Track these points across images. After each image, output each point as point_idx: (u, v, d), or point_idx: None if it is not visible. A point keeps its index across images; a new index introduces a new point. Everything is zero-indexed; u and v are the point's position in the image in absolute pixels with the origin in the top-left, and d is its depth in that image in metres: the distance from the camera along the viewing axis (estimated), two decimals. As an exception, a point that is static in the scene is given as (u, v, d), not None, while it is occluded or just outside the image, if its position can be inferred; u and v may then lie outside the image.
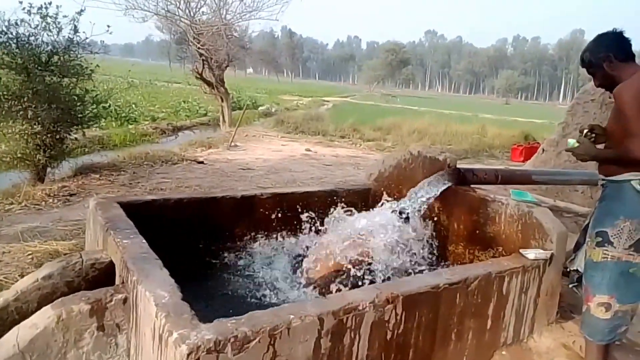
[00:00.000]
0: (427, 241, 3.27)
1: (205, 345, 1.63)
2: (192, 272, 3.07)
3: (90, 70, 6.54)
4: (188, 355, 1.59)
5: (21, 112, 5.80)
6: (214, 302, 2.76)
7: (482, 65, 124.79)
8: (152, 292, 1.93)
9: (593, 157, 2.42)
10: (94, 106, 6.97)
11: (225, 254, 3.39)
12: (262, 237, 3.57)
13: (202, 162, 8.15)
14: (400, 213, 3.22)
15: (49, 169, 6.42)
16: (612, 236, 2.28)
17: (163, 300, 1.87)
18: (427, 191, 3.28)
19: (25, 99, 5.78)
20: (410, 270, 3.00)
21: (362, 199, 4.10)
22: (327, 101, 37.89)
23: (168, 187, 6.18)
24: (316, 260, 3.13)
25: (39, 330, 2.10)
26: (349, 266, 2.94)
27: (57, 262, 2.54)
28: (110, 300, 2.18)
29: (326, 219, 3.39)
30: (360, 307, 2.06)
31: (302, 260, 3.27)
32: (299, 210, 3.53)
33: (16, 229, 4.23)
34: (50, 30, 6.07)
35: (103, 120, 10.49)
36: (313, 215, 3.46)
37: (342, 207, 3.40)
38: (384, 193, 3.60)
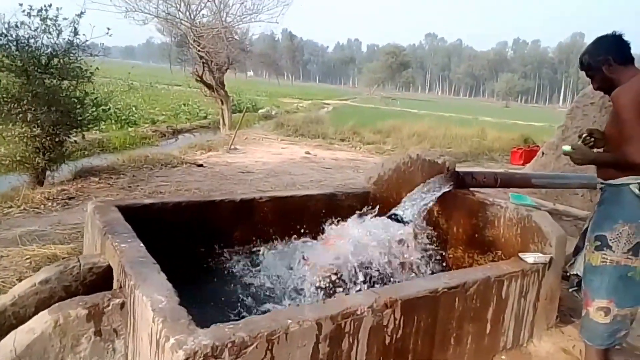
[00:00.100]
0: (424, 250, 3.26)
1: (202, 350, 1.62)
2: (191, 275, 3.07)
3: (90, 72, 6.53)
4: (185, 360, 1.58)
5: (21, 115, 5.80)
6: (211, 307, 2.75)
7: (482, 69, 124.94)
8: (149, 296, 1.92)
9: (590, 161, 2.42)
10: (94, 109, 6.97)
11: (224, 258, 3.38)
12: (261, 241, 3.56)
13: (201, 165, 8.15)
14: (396, 219, 3.22)
15: (48, 172, 6.41)
16: (610, 240, 2.27)
17: (160, 305, 1.86)
18: (426, 195, 3.27)
19: (24, 102, 5.78)
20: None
21: (362, 203, 4.09)
22: (327, 104, 37.93)
23: (167, 190, 6.17)
24: (316, 263, 3.12)
25: (36, 335, 2.09)
26: (348, 269, 2.93)
27: (55, 267, 2.53)
28: (108, 305, 2.17)
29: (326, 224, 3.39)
30: (358, 312, 2.05)
31: (301, 263, 3.26)
32: (298, 213, 3.52)
33: (15, 233, 4.21)
34: (50, 33, 6.07)
35: (103, 123, 10.49)
36: (312, 218, 3.46)
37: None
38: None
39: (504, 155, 13.29)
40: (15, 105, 5.76)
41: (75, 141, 6.86)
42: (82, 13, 6.30)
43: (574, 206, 5.58)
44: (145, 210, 3.19)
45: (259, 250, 3.49)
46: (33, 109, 5.80)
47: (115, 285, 2.42)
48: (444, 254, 3.52)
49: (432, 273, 3.12)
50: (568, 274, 2.69)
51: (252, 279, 3.18)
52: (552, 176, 4.98)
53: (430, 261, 3.25)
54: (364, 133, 15.15)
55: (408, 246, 3.11)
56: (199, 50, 12.58)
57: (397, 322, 2.19)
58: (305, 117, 18.69)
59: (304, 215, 3.66)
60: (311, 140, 13.88)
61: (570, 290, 2.65)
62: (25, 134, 5.96)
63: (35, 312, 2.31)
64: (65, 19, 6.15)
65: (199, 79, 13.66)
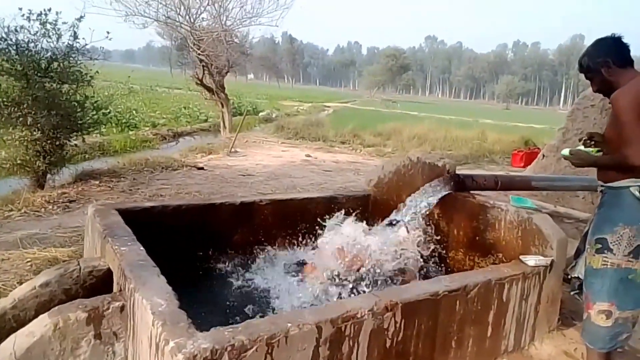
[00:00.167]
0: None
1: (202, 354, 1.62)
2: (191, 278, 3.07)
3: (90, 76, 6.54)
4: (184, 364, 1.58)
5: (21, 119, 5.80)
6: (211, 310, 2.74)
7: (482, 71, 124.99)
8: (149, 300, 1.92)
9: (590, 164, 2.42)
10: (94, 112, 6.97)
11: (224, 261, 3.37)
12: (261, 244, 3.56)
13: (202, 168, 8.15)
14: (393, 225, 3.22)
15: (48, 176, 6.41)
16: (611, 243, 2.26)
17: (160, 309, 1.86)
18: (426, 198, 3.27)
19: (24, 106, 5.78)
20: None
21: (362, 205, 4.10)
22: (328, 107, 37.95)
23: (168, 193, 6.17)
24: (315, 265, 3.12)
25: (35, 339, 2.09)
26: (347, 271, 2.93)
27: (55, 270, 2.53)
28: (107, 308, 2.17)
29: (326, 226, 3.38)
30: (358, 315, 2.04)
31: (301, 266, 3.26)
32: (298, 216, 3.52)
33: (15, 236, 4.21)
34: (49, 37, 6.07)
35: (103, 126, 10.50)
36: (312, 221, 3.45)
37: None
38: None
39: (504, 157, 13.28)
40: (16, 109, 5.76)
41: (76, 145, 6.86)
42: (81, 17, 6.31)
43: (575, 208, 5.57)
44: (146, 214, 3.19)
45: (259, 253, 3.49)
46: (33, 112, 5.80)
47: (115, 288, 2.42)
48: (444, 256, 3.51)
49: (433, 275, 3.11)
50: (569, 276, 2.69)
51: (252, 281, 3.17)
52: (552, 179, 4.98)
53: (431, 264, 3.24)
54: (365, 136, 15.16)
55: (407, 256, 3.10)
56: (199, 54, 12.59)
57: (397, 325, 2.18)
58: (305, 119, 18.71)
59: (304, 218, 3.65)
60: (311, 143, 13.89)
61: (572, 293, 2.64)
62: (26, 138, 5.96)
63: (36, 316, 2.31)
64: (64, 23, 6.16)
65: (199, 82, 13.67)
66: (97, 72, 6.73)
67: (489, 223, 3.27)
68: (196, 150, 10.76)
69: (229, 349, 1.68)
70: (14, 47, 5.88)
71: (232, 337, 1.72)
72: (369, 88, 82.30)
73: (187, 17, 12.45)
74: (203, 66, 13.27)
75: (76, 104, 6.49)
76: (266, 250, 3.54)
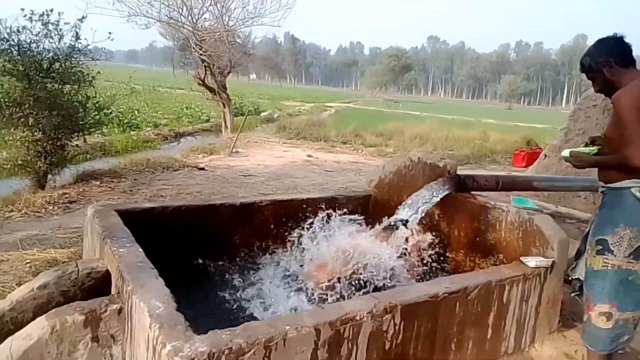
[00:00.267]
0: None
1: (199, 357, 1.61)
2: (191, 280, 3.06)
3: (92, 77, 6.54)
4: (181, 367, 1.57)
5: (22, 119, 5.80)
6: (210, 312, 2.73)
7: (484, 71, 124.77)
8: (147, 302, 1.91)
9: (591, 165, 2.40)
10: (96, 113, 6.97)
11: (224, 262, 3.36)
12: (261, 245, 3.55)
13: (203, 169, 8.14)
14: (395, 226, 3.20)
15: (49, 176, 6.41)
16: (612, 244, 2.25)
17: (157, 311, 1.85)
18: (426, 198, 3.25)
19: (26, 106, 5.78)
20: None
21: (363, 206, 4.08)
22: (330, 107, 37.94)
23: (168, 193, 6.16)
24: (315, 268, 3.10)
25: (32, 342, 2.08)
26: (347, 274, 2.91)
27: (53, 272, 2.52)
28: (105, 311, 2.16)
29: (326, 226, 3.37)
30: (357, 317, 2.03)
31: (301, 268, 3.24)
32: (299, 217, 3.50)
33: (15, 237, 4.21)
34: (51, 37, 6.07)
35: (105, 126, 10.49)
36: (313, 222, 3.44)
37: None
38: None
39: (506, 157, 13.25)
40: (17, 109, 5.76)
41: (77, 145, 6.86)
42: (83, 17, 6.31)
43: (576, 208, 5.54)
44: (145, 215, 3.18)
45: (260, 254, 3.48)
46: (35, 113, 5.81)
47: (113, 290, 2.41)
48: (445, 257, 3.49)
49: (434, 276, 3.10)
50: (570, 277, 2.67)
51: (251, 282, 3.16)
52: (554, 179, 4.95)
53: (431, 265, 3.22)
54: (366, 136, 15.14)
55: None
56: (201, 54, 12.60)
57: (397, 327, 2.17)
58: (307, 120, 18.70)
59: (305, 219, 3.63)
60: (313, 143, 13.88)
61: (572, 294, 2.63)
62: (27, 138, 5.96)
63: (33, 318, 2.30)
64: (66, 23, 6.16)
65: (201, 82, 13.69)
66: (99, 72, 6.73)
67: (489, 224, 3.25)
68: (197, 150, 10.76)
69: (226, 352, 1.66)
70: (16, 48, 5.89)
71: (230, 340, 1.70)
72: (371, 88, 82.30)
73: (190, 17, 12.48)
74: (205, 66, 13.29)
75: (78, 105, 6.49)
76: (267, 251, 3.52)
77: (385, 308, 2.12)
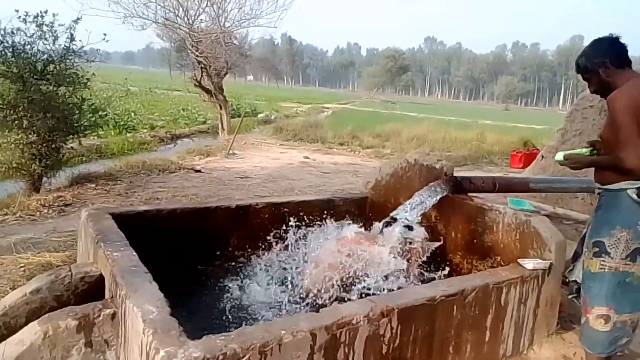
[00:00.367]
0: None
1: (193, 363, 1.58)
2: (186, 283, 3.03)
3: (87, 79, 6.50)
4: (174, 374, 1.55)
5: (16, 122, 5.77)
6: (205, 316, 2.71)
7: (481, 72, 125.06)
8: (140, 307, 1.88)
9: (587, 165, 2.39)
10: (91, 115, 6.93)
11: (219, 265, 3.34)
12: (257, 247, 3.52)
13: (199, 171, 8.11)
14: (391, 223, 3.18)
15: (44, 179, 6.37)
16: (609, 246, 2.23)
17: (151, 316, 1.82)
18: (423, 200, 3.23)
19: (20, 108, 5.74)
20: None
21: (359, 208, 4.07)
22: (327, 108, 37.94)
23: (164, 196, 6.13)
24: (314, 271, 3.08)
25: (25, 347, 2.05)
26: (346, 277, 2.89)
27: (46, 276, 2.50)
28: (98, 316, 2.14)
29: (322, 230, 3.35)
30: (354, 321, 2.01)
31: (297, 271, 3.22)
32: (295, 219, 3.48)
33: (9, 241, 4.18)
34: (46, 39, 6.04)
35: (101, 129, 10.44)
36: (309, 224, 3.42)
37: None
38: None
39: (503, 158, 13.26)
40: (11, 111, 5.72)
41: (72, 147, 6.82)
42: (78, 19, 6.27)
43: (574, 210, 5.54)
44: (140, 218, 3.15)
45: (255, 257, 3.45)
46: (29, 115, 5.77)
47: (107, 294, 2.38)
48: (442, 259, 3.47)
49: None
50: (567, 280, 2.65)
51: (247, 285, 3.14)
52: (551, 180, 4.94)
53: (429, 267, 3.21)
54: (363, 137, 15.13)
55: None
56: (197, 56, 12.56)
57: (394, 331, 2.15)
58: (304, 121, 18.70)
59: (302, 222, 3.61)
60: (310, 144, 13.86)
61: (570, 297, 2.61)
62: (21, 141, 5.92)
63: (26, 323, 2.27)
64: (61, 25, 6.12)
65: (197, 84, 13.65)
66: (94, 74, 6.69)
67: (486, 226, 3.24)
68: (194, 152, 10.73)
69: (220, 357, 1.64)
70: (10, 50, 5.85)
71: (225, 346, 1.68)
72: (368, 89, 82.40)
73: (186, 18, 12.43)
74: (201, 68, 13.25)
75: (73, 107, 6.45)
76: (262, 254, 3.49)
77: (382, 311, 2.10)
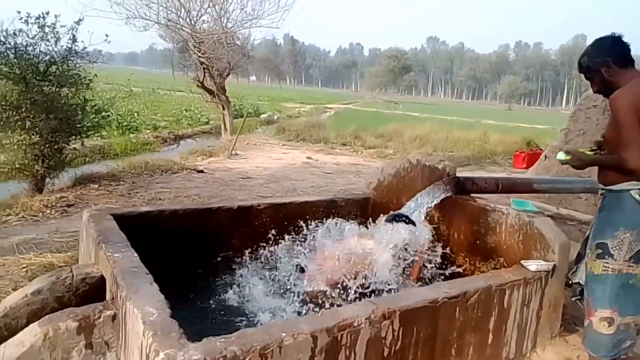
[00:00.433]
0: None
1: (192, 366, 1.57)
2: (187, 284, 3.03)
3: (89, 79, 6.51)
4: (174, 376, 1.54)
5: (19, 123, 5.77)
6: (206, 318, 2.70)
7: (484, 71, 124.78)
8: (140, 309, 1.88)
9: (589, 164, 2.37)
10: (94, 116, 6.94)
11: (221, 266, 3.33)
12: (259, 248, 3.51)
13: (202, 171, 8.11)
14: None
15: (47, 180, 6.37)
16: (612, 248, 2.21)
17: (151, 318, 1.82)
18: (425, 201, 3.22)
19: (23, 109, 5.75)
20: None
21: (361, 209, 4.05)
22: (330, 108, 37.94)
23: (167, 197, 6.13)
24: (315, 273, 3.07)
25: (25, 349, 2.05)
26: (348, 279, 2.88)
27: (47, 277, 2.49)
28: (99, 317, 2.13)
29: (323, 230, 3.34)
30: (355, 324, 1.99)
31: (300, 273, 3.21)
32: (297, 220, 3.47)
33: (12, 241, 4.18)
34: (48, 40, 6.04)
35: (104, 129, 10.46)
36: (311, 225, 3.41)
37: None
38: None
39: (506, 158, 13.21)
40: (14, 112, 5.73)
41: (75, 148, 6.82)
42: (80, 20, 6.27)
43: (577, 210, 5.51)
44: (142, 219, 3.15)
45: (257, 258, 3.44)
46: (32, 116, 5.78)
47: (108, 296, 2.38)
48: (444, 261, 3.46)
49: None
50: (571, 282, 2.63)
51: (248, 287, 3.13)
52: (554, 181, 4.92)
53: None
54: (366, 137, 15.11)
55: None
56: (199, 56, 12.58)
57: (395, 333, 2.13)
58: (307, 121, 18.69)
59: (303, 222, 3.60)
60: (312, 145, 13.85)
61: (573, 299, 2.59)
62: (24, 142, 5.93)
63: (27, 324, 2.27)
64: (63, 26, 6.13)
65: (199, 84, 13.66)
66: (96, 75, 6.69)
67: (489, 227, 3.22)
68: (196, 153, 10.73)
69: (220, 360, 1.63)
70: (13, 51, 5.86)
71: (225, 348, 1.67)
72: (370, 89, 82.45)
73: (188, 19, 12.46)
74: (204, 68, 13.27)
75: (75, 107, 6.45)
76: (264, 255, 3.48)
77: (383, 314, 2.08)
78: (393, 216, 3.26)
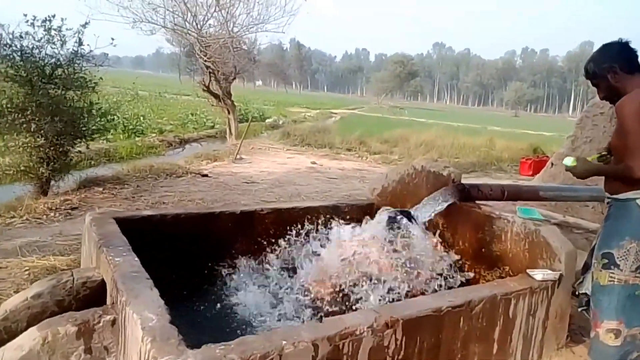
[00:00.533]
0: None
1: (191, 374, 1.55)
2: (188, 289, 3.00)
3: (95, 82, 6.52)
4: (172, 384, 1.51)
5: (25, 125, 5.79)
6: (206, 324, 2.67)
7: (490, 77, 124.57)
8: (140, 314, 1.85)
9: (594, 173, 2.33)
10: (99, 119, 6.96)
11: (223, 271, 3.30)
12: (261, 254, 3.49)
13: (206, 175, 8.11)
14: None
15: (52, 182, 6.38)
16: (618, 258, 2.17)
17: (150, 324, 1.79)
18: (430, 208, 3.19)
19: (28, 112, 5.77)
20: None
21: (365, 215, 4.01)
22: (335, 113, 37.94)
23: (171, 200, 6.12)
24: (316, 279, 3.04)
25: (24, 353, 2.03)
26: (349, 285, 2.85)
27: (48, 281, 2.48)
28: (98, 322, 2.11)
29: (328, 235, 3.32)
30: (357, 332, 1.96)
31: (301, 278, 3.18)
32: (300, 225, 3.45)
33: (15, 244, 4.18)
34: (54, 43, 6.07)
35: (109, 133, 10.49)
36: (314, 231, 3.39)
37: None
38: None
39: (512, 165, 13.13)
40: (20, 115, 5.75)
41: (80, 151, 6.84)
42: (86, 23, 6.30)
43: (584, 218, 5.45)
44: (144, 222, 3.13)
45: (260, 263, 3.42)
46: (37, 119, 5.79)
47: (108, 300, 2.36)
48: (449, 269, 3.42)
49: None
50: (577, 292, 2.59)
51: (250, 293, 3.10)
52: (561, 188, 4.86)
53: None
54: (371, 143, 15.08)
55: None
56: (205, 60, 12.61)
57: (398, 342, 2.10)
58: (312, 126, 18.68)
59: (306, 227, 3.57)
60: (317, 150, 13.83)
61: (580, 309, 2.55)
62: (29, 144, 5.94)
63: (27, 327, 2.25)
64: (69, 29, 6.16)
65: (205, 88, 13.69)
66: (102, 78, 6.71)
67: (494, 235, 3.18)
68: (201, 157, 10.74)
69: (219, 367, 1.60)
70: (19, 54, 5.88)
71: (224, 356, 1.65)
72: (376, 94, 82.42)
73: (194, 23, 12.49)
74: (210, 73, 13.29)
75: (81, 110, 6.47)
76: (267, 260, 3.46)
77: (386, 322, 2.05)
78: (395, 213, 3.23)
